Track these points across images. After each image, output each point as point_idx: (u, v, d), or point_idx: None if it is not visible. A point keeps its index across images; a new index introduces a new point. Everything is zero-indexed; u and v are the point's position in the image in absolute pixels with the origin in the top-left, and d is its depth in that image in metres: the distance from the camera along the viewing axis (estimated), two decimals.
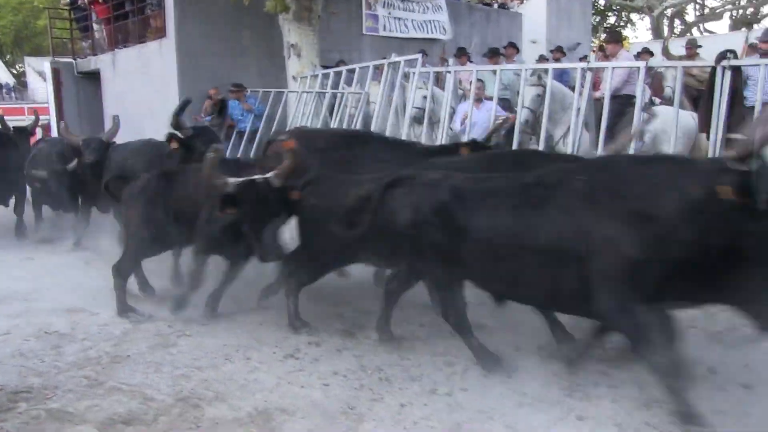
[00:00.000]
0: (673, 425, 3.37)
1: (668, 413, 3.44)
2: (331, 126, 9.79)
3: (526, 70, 8.05)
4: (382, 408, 3.64)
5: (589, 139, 7.51)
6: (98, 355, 4.47)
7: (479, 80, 8.64)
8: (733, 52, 6.64)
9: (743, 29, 15.58)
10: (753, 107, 6.47)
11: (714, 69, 6.53)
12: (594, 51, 14.60)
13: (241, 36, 12.06)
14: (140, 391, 3.88)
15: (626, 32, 26.94)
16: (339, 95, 9.97)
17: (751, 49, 8.99)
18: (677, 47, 12.26)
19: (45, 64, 15.48)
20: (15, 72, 31.13)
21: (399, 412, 3.59)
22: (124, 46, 13.51)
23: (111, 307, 5.38)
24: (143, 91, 12.41)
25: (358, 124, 9.44)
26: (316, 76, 10.66)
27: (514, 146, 7.72)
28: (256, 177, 4.60)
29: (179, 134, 6.44)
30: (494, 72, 8.50)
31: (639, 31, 29.46)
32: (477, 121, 8.24)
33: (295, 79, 11.01)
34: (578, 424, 3.43)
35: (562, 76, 9.18)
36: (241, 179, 4.57)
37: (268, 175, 4.61)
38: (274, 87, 11.24)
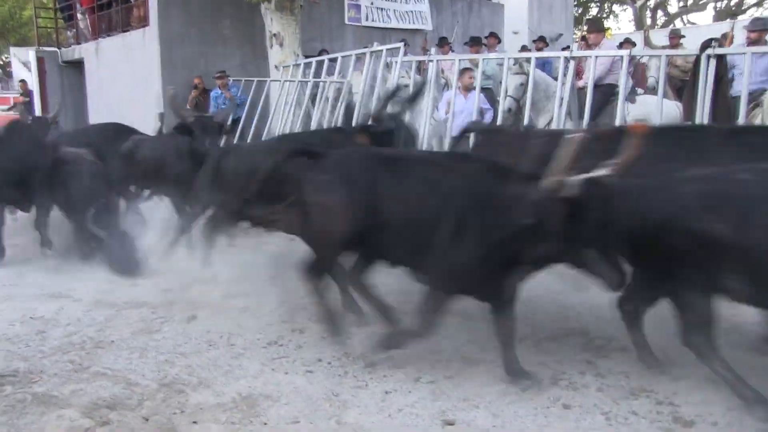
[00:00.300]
0: (660, 414, 3.37)
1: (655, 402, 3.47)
2: (312, 115, 9.78)
3: (508, 59, 8.06)
4: (367, 395, 3.63)
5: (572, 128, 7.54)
6: (82, 341, 4.45)
7: (470, 69, 8.63)
8: (717, 40, 6.67)
9: (728, 20, 15.68)
10: (739, 97, 6.49)
11: (698, 58, 6.56)
12: (577, 41, 14.65)
13: (224, 25, 12.08)
14: (124, 377, 3.87)
15: (609, 23, 27.00)
16: (321, 84, 9.94)
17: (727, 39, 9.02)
18: (660, 38, 12.34)
19: (30, 53, 15.43)
20: (0, 63, 31.05)
21: (383, 399, 3.59)
22: (108, 35, 13.48)
23: (95, 293, 5.38)
24: (126, 80, 12.39)
25: (340, 114, 9.42)
26: (299, 65, 10.63)
27: None
28: (597, 174, 3.28)
29: (372, 127, 5.23)
30: (475, 62, 8.51)
31: (621, 23, 29.58)
32: (463, 110, 8.23)
33: (277, 68, 10.99)
34: (564, 413, 3.40)
35: (544, 66, 9.21)
36: (584, 176, 3.27)
37: (606, 171, 3.28)
38: (256, 76, 11.22)
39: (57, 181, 6.30)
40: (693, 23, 24.61)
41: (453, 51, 11.32)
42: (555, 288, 5.01)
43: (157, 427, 3.33)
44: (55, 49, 15.20)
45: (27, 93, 16.00)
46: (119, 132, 7.88)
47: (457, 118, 8.13)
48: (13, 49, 24.00)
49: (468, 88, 8.46)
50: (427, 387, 3.71)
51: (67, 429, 3.29)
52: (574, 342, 4.27)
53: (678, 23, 24.20)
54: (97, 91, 13.45)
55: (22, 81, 17.11)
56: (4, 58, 30.36)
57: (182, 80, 11.57)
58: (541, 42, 12.08)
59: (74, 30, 15.29)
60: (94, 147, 6.91)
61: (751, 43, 7.48)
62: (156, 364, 4.07)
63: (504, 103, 7.90)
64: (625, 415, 3.37)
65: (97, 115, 12.84)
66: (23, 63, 19.46)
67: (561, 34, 17.16)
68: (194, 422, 3.38)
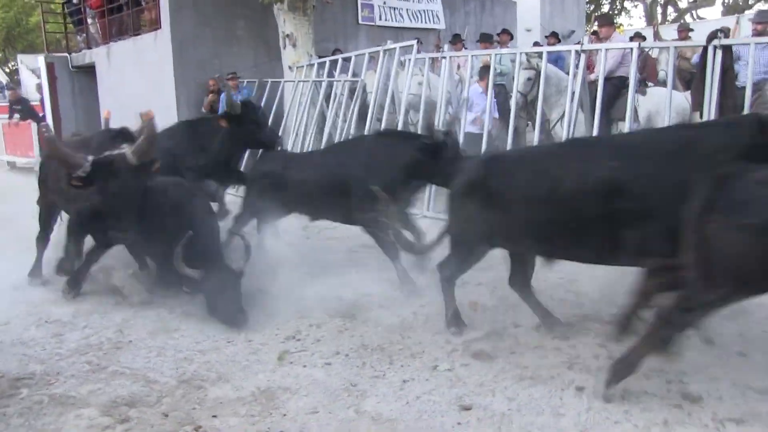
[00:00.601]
0: (670, 392, 3.46)
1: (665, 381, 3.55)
2: (327, 115, 9.80)
3: (521, 54, 8.07)
4: (384, 384, 3.68)
5: (584, 121, 7.54)
6: (100, 342, 4.49)
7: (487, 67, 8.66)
8: (723, 31, 6.67)
9: (735, 15, 15.65)
10: (744, 87, 6.52)
11: (705, 49, 6.58)
12: (588, 35, 14.61)
13: (236, 26, 12.09)
14: (143, 375, 3.91)
15: (620, 20, 26.96)
16: (335, 84, 9.98)
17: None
18: (670, 33, 12.32)
19: (39, 59, 15.44)
20: (8, 70, 31.22)
21: (401, 387, 3.63)
22: (119, 39, 13.49)
23: (112, 295, 5.37)
24: (139, 84, 12.41)
25: (354, 113, 9.45)
26: (312, 65, 10.68)
27: (510, 131, 7.76)
28: None
29: None
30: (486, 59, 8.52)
31: (633, 19, 29.46)
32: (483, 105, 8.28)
33: (290, 68, 11.01)
34: (578, 394, 3.48)
35: (557, 62, 9.20)
36: None
37: None
38: (270, 77, 11.26)
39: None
40: (702, 18, 24.50)
41: (466, 48, 11.31)
42: (570, 276, 5.10)
43: (176, 422, 3.37)
44: (65, 54, 15.21)
45: (18, 101, 15.53)
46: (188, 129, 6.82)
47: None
48: (20, 56, 24.11)
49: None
50: (444, 375, 3.76)
51: (86, 428, 3.33)
52: (589, 327, 4.35)
53: (687, 18, 24.09)
54: (110, 95, 13.44)
55: (12, 89, 16.69)
56: (11, 66, 30.49)
57: (195, 82, 11.64)
58: (554, 38, 12.03)
59: (84, 35, 15.26)
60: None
61: (757, 34, 7.48)
62: (174, 361, 4.11)
63: (515, 99, 7.90)
64: (638, 394, 3.45)
65: (111, 117, 12.91)
66: (32, 70, 19.48)
67: (573, 31, 17.10)
68: (214, 416, 3.42)
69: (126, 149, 4.60)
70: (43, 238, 6.16)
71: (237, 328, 4.60)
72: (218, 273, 4.72)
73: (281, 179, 5.90)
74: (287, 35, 10.96)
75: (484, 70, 8.48)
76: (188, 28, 11.76)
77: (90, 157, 4.57)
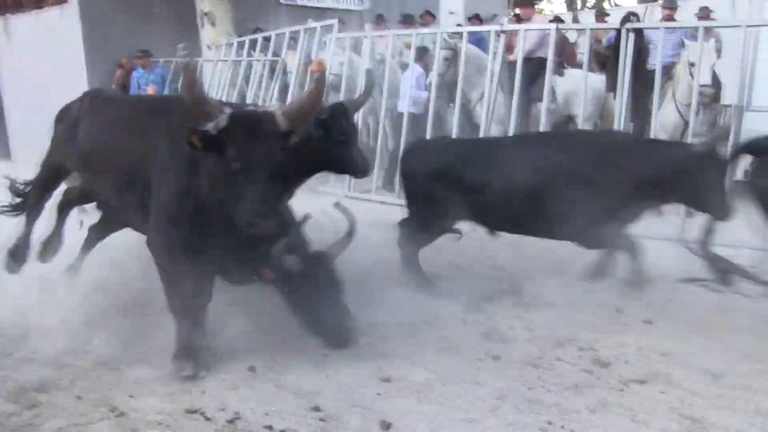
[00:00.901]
0: (582, 358, 3.67)
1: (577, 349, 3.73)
2: (247, 95, 9.64)
3: (441, 34, 8.13)
4: (305, 358, 3.68)
5: (504, 102, 7.67)
6: (3, 328, 4.18)
7: (425, 48, 8.75)
8: (636, 15, 6.94)
9: (646, 4, 16.36)
10: (654, 69, 6.80)
11: (619, 32, 6.81)
12: (510, 18, 14.86)
13: (152, 3, 11.61)
14: (54, 360, 3.75)
15: (542, 5, 27.55)
16: (255, 64, 9.82)
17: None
18: (589, 18, 12.70)
19: None
20: None
21: (322, 361, 3.65)
22: (17, 12, 12.67)
23: (15, 281, 4.97)
24: (45, 62, 11.75)
25: (275, 93, 9.33)
26: (231, 44, 10.46)
27: (430, 112, 7.83)
28: None
29: None
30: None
31: (554, 5, 30.15)
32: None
33: (209, 48, 10.76)
34: (494, 363, 3.63)
35: (480, 43, 9.30)
36: None
37: None
38: (188, 56, 10.91)
39: None
40: (618, 5, 25.37)
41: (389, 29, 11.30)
42: (490, 252, 5.26)
43: (91, 404, 3.27)
44: None
45: None
46: None
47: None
48: None
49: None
50: (365, 349, 3.80)
51: None
52: (506, 300, 4.52)
53: (605, 5, 24.90)
54: (12, 75, 12.70)
55: None
56: None
57: (109, 62, 11.12)
58: (476, 19, 12.14)
59: None
60: None
61: (666, 19, 7.82)
62: (89, 344, 3.94)
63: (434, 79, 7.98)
64: (551, 361, 3.65)
65: (14, 101, 12.14)
66: None
67: (496, 15, 17.32)
68: (131, 396, 3.34)
69: (276, 107, 3.46)
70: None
71: (340, 348, 3.72)
72: (313, 269, 3.63)
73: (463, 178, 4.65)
74: (205, 13, 10.70)
75: (423, 50, 8.55)
76: (99, 4, 11.21)
77: (228, 109, 3.34)
